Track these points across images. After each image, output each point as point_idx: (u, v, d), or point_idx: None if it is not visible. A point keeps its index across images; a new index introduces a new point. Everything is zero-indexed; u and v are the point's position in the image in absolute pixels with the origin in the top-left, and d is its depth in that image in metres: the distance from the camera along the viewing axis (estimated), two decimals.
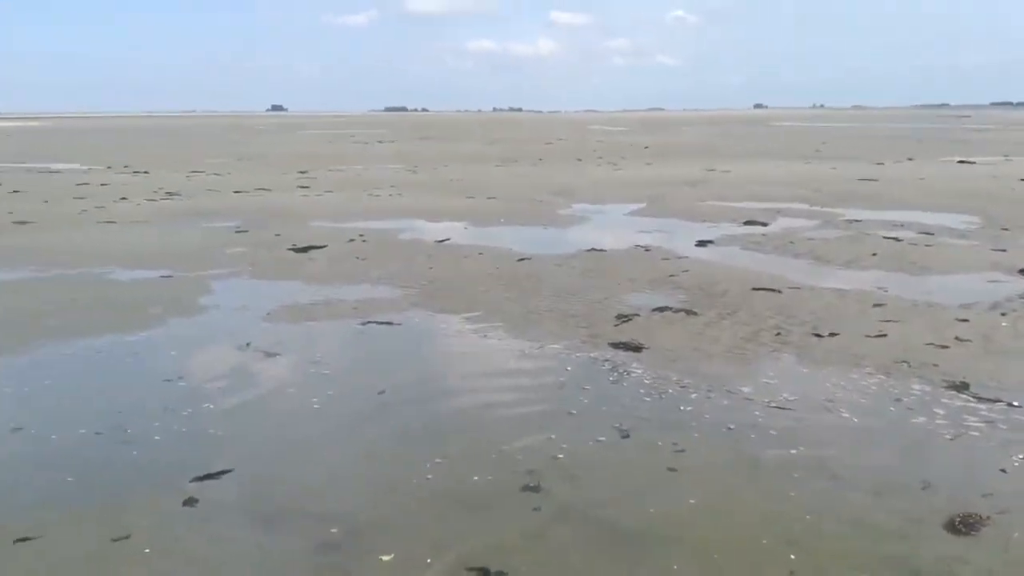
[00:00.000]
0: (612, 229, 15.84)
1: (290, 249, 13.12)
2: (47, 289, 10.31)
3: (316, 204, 19.09)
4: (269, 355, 7.51)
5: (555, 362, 7.23)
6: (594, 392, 6.48)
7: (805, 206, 18.67)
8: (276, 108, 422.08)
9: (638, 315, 8.84)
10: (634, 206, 19.02)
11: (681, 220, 16.74)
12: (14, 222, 16.27)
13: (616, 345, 7.70)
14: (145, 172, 28.28)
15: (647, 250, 13.03)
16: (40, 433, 5.70)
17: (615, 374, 6.89)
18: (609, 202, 19.92)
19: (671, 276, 10.88)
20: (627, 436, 5.63)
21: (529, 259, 12.28)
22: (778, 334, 8.09)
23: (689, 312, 8.97)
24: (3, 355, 7.55)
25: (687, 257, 12.38)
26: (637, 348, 7.60)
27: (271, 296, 9.89)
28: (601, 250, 12.98)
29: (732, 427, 5.77)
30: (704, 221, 16.49)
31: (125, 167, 30.98)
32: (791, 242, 13.70)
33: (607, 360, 7.26)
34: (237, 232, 15.00)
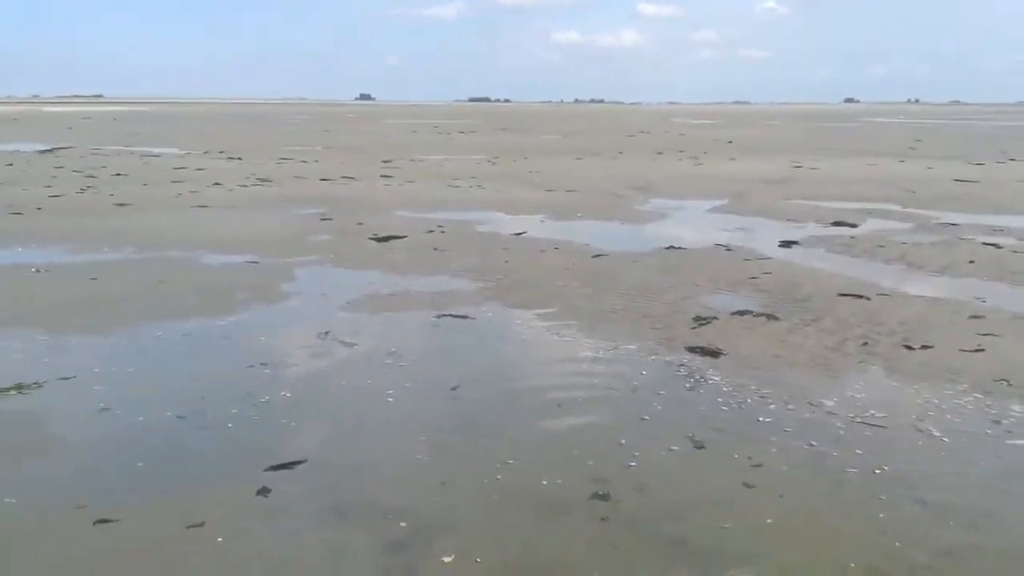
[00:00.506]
0: (692, 226, 15.49)
1: (371, 238, 13.37)
2: (142, 271, 10.82)
3: (398, 194, 19.40)
4: (347, 344, 7.66)
5: (629, 365, 7.11)
6: (669, 398, 6.34)
7: (898, 207, 17.82)
8: (364, 97, 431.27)
9: (716, 318, 8.61)
10: (716, 203, 18.57)
11: (765, 219, 16.23)
12: (116, 204, 17.15)
13: (693, 349, 7.52)
14: (239, 158, 29.36)
15: (728, 249, 12.69)
16: (125, 415, 5.95)
17: (691, 380, 6.72)
18: (689, 198, 19.51)
19: (752, 278, 10.56)
20: (702, 447, 5.49)
21: (606, 255, 12.14)
22: (865, 344, 7.73)
23: (771, 317, 8.68)
24: (98, 335, 7.94)
25: (770, 258, 11.99)
26: (715, 353, 7.40)
27: (351, 285, 10.10)
28: (680, 248, 12.71)
29: (814, 443, 5.54)
30: (789, 221, 15.95)
31: (220, 152, 32.23)
32: (881, 246, 13.09)
33: (683, 365, 7.10)
34: (322, 220, 15.39)
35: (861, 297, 9.48)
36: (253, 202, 17.75)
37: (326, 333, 7.98)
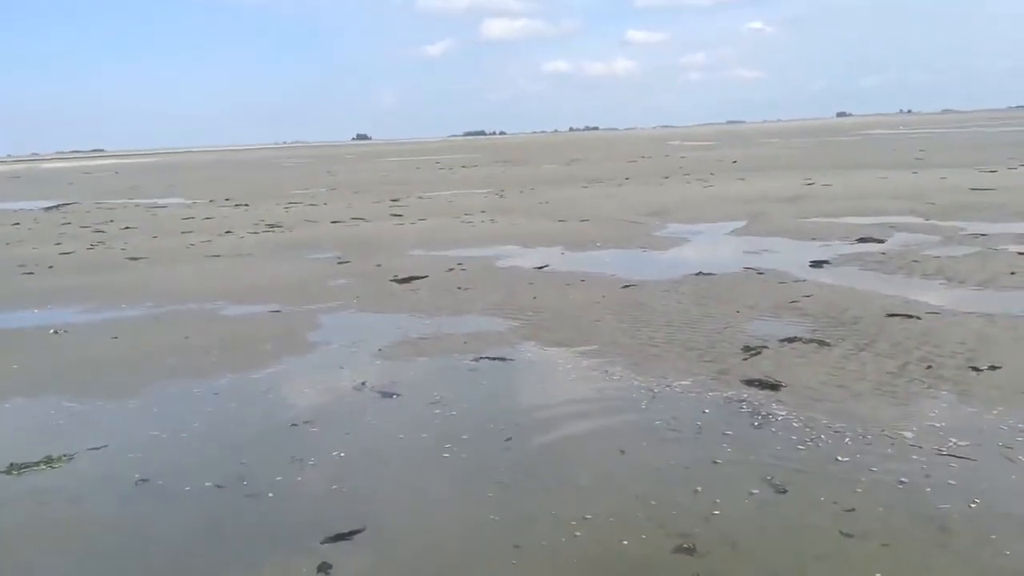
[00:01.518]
0: (716, 250, 15.20)
1: (392, 280, 13.08)
2: (162, 327, 10.52)
3: (411, 233, 19.17)
4: (386, 395, 7.32)
5: (687, 403, 6.75)
6: (737, 438, 5.97)
7: (920, 220, 17.51)
8: (361, 137, 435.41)
9: (766, 347, 8.26)
10: (734, 224, 18.30)
11: (788, 239, 15.93)
12: (128, 258, 16.93)
13: (750, 383, 7.16)
14: (246, 205, 29.25)
15: (759, 273, 12.36)
16: (166, 485, 5.60)
17: (756, 417, 6.36)
18: (706, 221, 19.23)
19: (793, 302, 10.22)
20: (784, 492, 5.11)
21: (635, 285, 11.82)
22: (929, 367, 7.37)
23: (821, 343, 8.32)
24: (126, 398, 7.62)
25: (805, 280, 11.66)
26: (774, 386, 7.04)
27: (380, 331, 9.78)
28: (710, 274, 12.39)
29: (904, 480, 5.17)
30: (813, 239, 15.65)
31: (227, 200, 32.16)
32: (915, 261, 12.76)
33: (744, 400, 6.73)
34: (339, 263, 15.12)
35: (911, 317, 9.12)
36: (267, 249, 17.52)
37: (363, 384, 7.64)
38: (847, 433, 5.94)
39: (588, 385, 7.37)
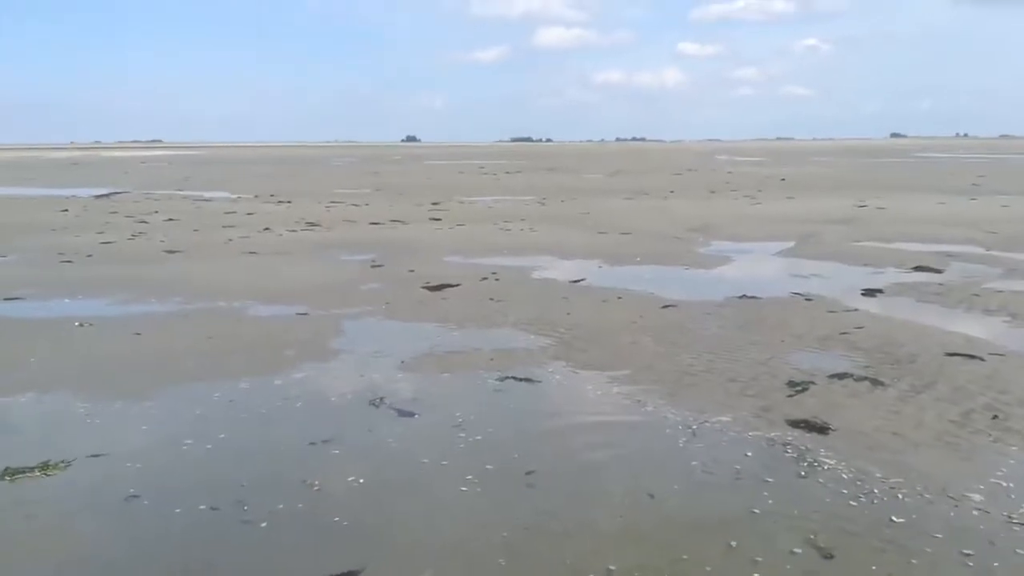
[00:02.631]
0: (762, 272, 14.56)
1: (424, 287, 12.74)
2: (188, 325, 10.31)
3: (448, 238, 18.85)
4: (403, 414, 6.93)
5: (726, 443, 6.22)
6: (779, 487, 5.44)
7: (980, 250, 16.60)
8: (410, 139, 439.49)
9: (813, 382, 7.67)
10: (782, 245, 17.59)
11: (839, 263, 15.20)
12: (165, 251, 16.92)
13: (796, 424, 6.60)
14: (288, 202, 29.32)
15: (807, 299, 11.71)
16: (157, 504, 5.24)
17: (802, 464, 5.81)
18: (753, 240, 18.55)
19: (843, 334, 9.58)
20: (830, 556, 4.56)
21: (675, 306, 11.28)
22: (995, 417, 6.72)
23: (875, 382, 7.71)
24: (136, 401, 7.34)
25: (856, 309, 10.99)
26: (822, 429, 6.47)
27: (405, 341, 9.41)
28: (755, 297, 11.78)
29: (969, 552, 4.59)
30: (866, 265, 14.90)
31: (271, 196, 32.31)
32: (976, 295, 11.97)
33: (788, 444, 6.18)
34: (372, 267, 14.86)
35: (973, 358, 8.43)
36: (303, 248, 17.36)
37: (381, 400, 7.27)
38: (903, 490, 5.36)
39: (619, 416, 6.88)
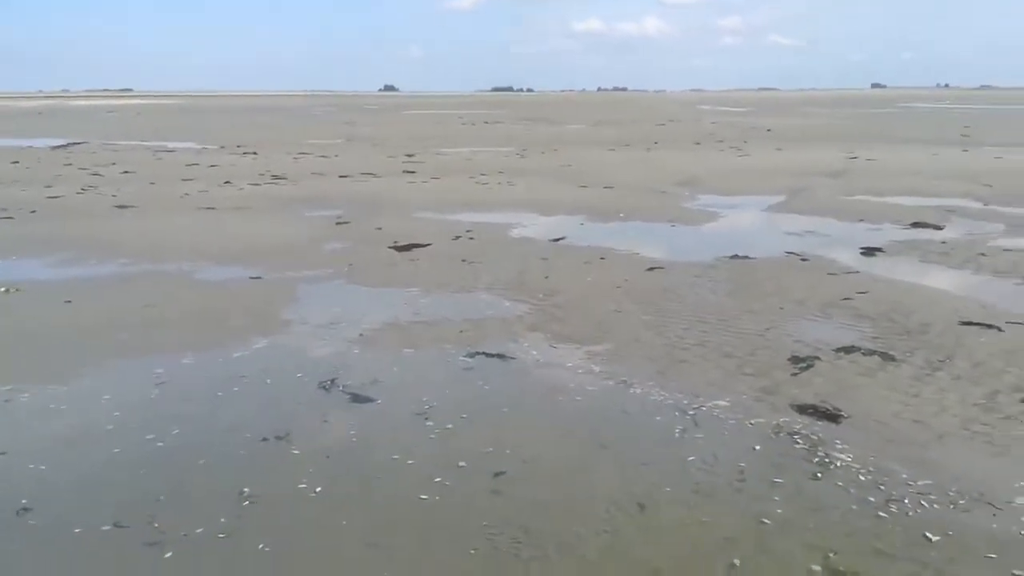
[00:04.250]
0: (753, 229, 13.75)
1: (392, 247, 11.78)
2: (127, 290, 9.33)
3: (422, 192, 17.79)
4: (358, 399, 6.07)
5: (727, 435, 5.43)
6: (790, 492, 4.66)
7: (979, 204, 15.89)
8: (388, 88, 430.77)
9: (819, 358, 6.89)
10: (772, 199, 16.74)
11: (833, 219, 14.39)
12: (116, 206, 15.75)
13: (803, 409, 5.82)
14: (254, 153, 27.91)
15: (803, 259, 10.91)
16: (51, 521, 4.37)
17: (814, 461, 5.03)
18: (742, 194, 17.68)
19: (846, 299, 8.80)
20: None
21: (662, 268, 10.44)
22: None
23: (886, 356, 6.94)
24: (55, 384, 6.41)
25: (858, 271, 10.20)
26: (834, 416, 5.70)
27: (367, 310, 8.51)
28: (747, 257, 10.96)
29: (1018, 574, 3.85)
30: (861, 221, 14.11)
31: (238, 147, 30.85)
32: (982, 253, 11.24)
33: (798, 435, 5.40)
34: (338, 224, 13.84)
35: (991, 327, 7.68)
36: (264, 203, 16.25)
37: (332, 381, 6.39)
38: (933, 495, 4.60)
39: (602, 401, 6.06)
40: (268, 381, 6.47)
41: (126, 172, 21.78)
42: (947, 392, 6.14)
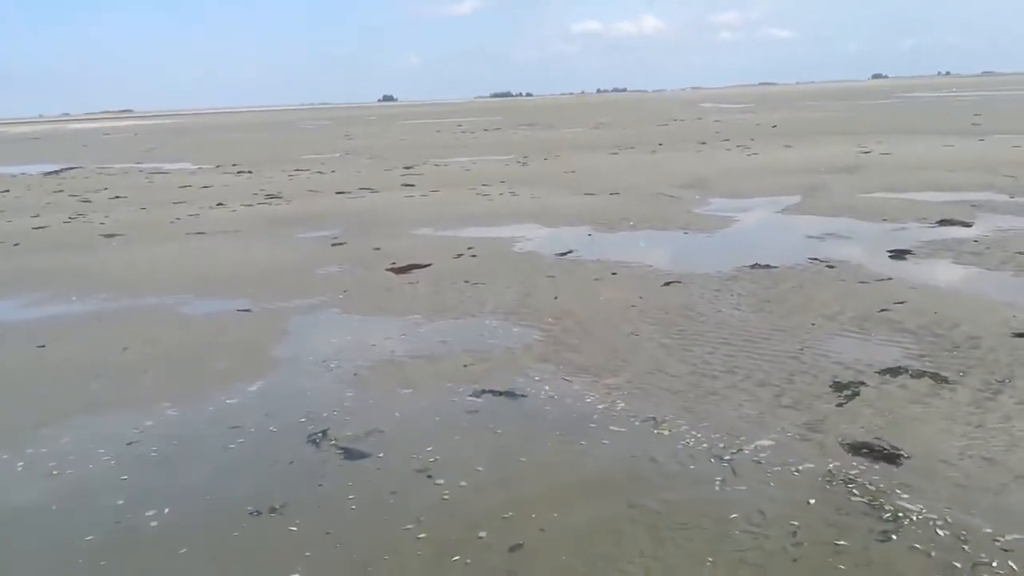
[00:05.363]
0: (771, 234, 13.02)
1: (390, 269, 11.11)
2: (104, 331, 8.66)
3: (421, 207, 17.11)
4: (351, 455, 5.38)
5: (772, 484, 4.71)
6: (857, 558, 3.94)
7: (1004, 197, 15.13)
8: (387, 98, 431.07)
9: (863, 383, 6.18)
10: (787, 200, 16.02)
11: (853, 219, 13.66)
12: (103, 235, 15.13)
13: (856, 449, 5.10)
14: (249, 172, 27.31)
15: (830, 267, 10.18)
16: None
17: (878, 516, 4.30)
18: (754, 195, 16.95)
19: (882, 311, 8.08)
20: None
21: (678, 282, 9.73)
22: None
23: (937, 378, 6.22)
24: (12, 447, 5.74)
25: (890, 278, 9.47)
26: (892, 457, 4.98)
27: (362, 344, 7.82)
28: (769, 267, 10.24)
29: None
30: (884, 220, 13.37)
31: (233, 165, 30.28)
32: (1020, 252, 10.50)
33: (853, 481, 4.68)
34: (333, 245, 13.17)
35: None
36: (257, 225, 15.59)
37: (323, 434, 5.70)
38: None
39: (626, 446, 5.34)
40: (255, 437, 5.78)
41: (117, 197, 21.19)
42: (1015, 420, 5.42)
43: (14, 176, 29.99)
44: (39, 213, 18.40)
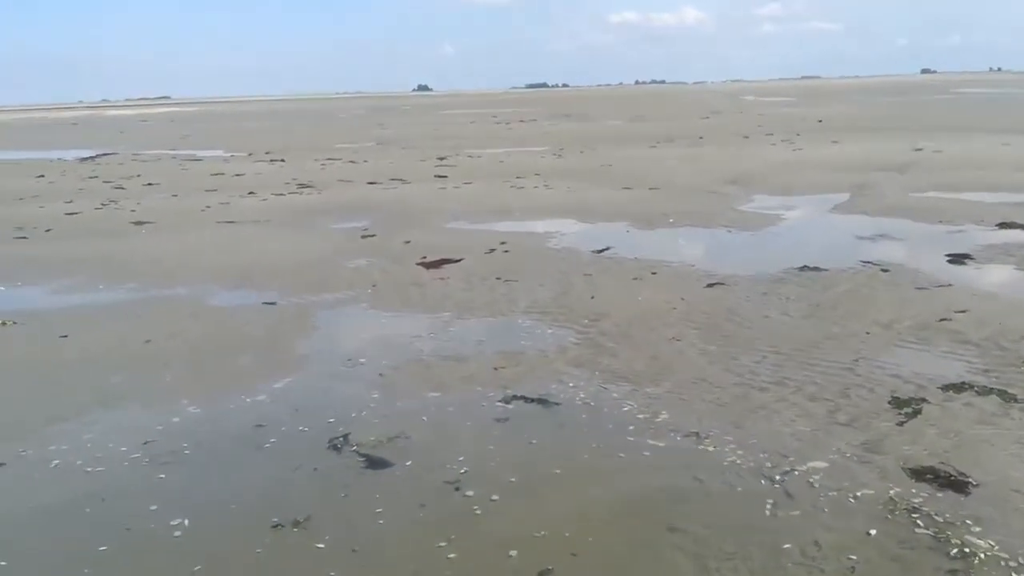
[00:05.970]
0: (819, 233, 12.47)
1: (420, 263, 10.80)
2: (130, 322, 8.49)
3: (453, 199, 16.79)
4: (374, 464, 5.06)
5: (828, 511, 4.28)
6: None
7: None
8: (422, 88, 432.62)
9: (925, 400, 5.70)
10: (835, 198, 15.39)
11: (906, 220, 13.01)
12: (133, 222, 15.06)
13: (919, 475, 4.65)
14: (282, 160, 27.25)
15: (884, 271, 9.62)
16: None
17: (948, 554, 3.87)
18: (800, 192, 16.33)
19: (943, 320, 7.55)
20: None
21: (722, 283, 9.27)
22: None
23: (1005, 396, 5.72)
24: (27, 447, 5.54)
25: (950, 284, 8.90)
26: (960, 485, 4.52)
27: (389, 342, 7.52)
28: (818, 269, 9.71)
29: None
30: (940, 222, 12.71)
31: (266, 154, 30.26)
32: None
33: (918, 513, 4.24)
34: (363, 237, 12.91)
35: None
36: (287, 215, 15.41)
37: (345, 438, 5.40)
38: None
39: (667, 463, 4.95)
40: (278, 440, 5.50)
41: (149, 184, 21.21)
42: None
43: (51, 161, 30.33)
44: (72, 199, 18.46)
